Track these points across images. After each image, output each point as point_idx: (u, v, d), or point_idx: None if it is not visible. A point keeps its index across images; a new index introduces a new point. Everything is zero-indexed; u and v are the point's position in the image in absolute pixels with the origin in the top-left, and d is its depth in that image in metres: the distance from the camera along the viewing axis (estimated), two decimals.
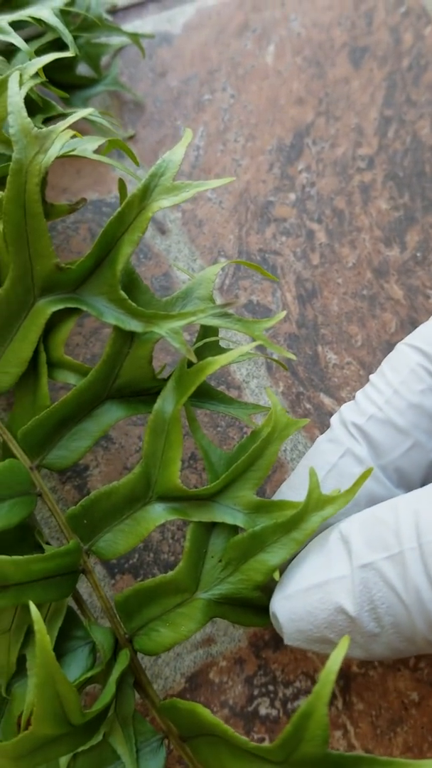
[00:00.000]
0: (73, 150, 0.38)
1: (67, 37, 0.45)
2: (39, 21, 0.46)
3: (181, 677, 0.44)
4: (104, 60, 0.58)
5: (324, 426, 0.50)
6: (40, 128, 0.36)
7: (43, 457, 0.38)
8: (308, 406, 0.50)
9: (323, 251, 0.54)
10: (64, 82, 0.48)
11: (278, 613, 0.36)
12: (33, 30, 0.50)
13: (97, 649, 0.38)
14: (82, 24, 0.52)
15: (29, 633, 0.38)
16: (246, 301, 0.52)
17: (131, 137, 0.50)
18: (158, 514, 0.37)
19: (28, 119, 0.36)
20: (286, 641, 0.36)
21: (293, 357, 0.36)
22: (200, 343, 0.38)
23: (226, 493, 0.37)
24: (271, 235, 0.54)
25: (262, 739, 0.43)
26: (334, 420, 0.40)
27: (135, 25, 0.60)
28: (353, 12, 0.61)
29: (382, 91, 0.59)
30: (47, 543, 0.40)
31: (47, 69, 0.49)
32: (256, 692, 0.44)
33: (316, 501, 0.35)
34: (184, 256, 0.54)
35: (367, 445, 0.38)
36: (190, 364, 0.38)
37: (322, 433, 0.49)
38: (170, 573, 0.37)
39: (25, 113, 0.36)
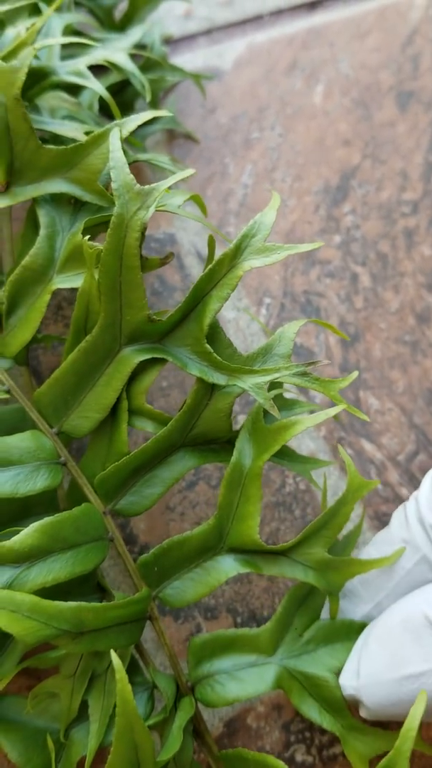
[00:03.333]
0: (163, 205, 0.39)
1: (145, 86, 0.46)
2: (113, 65, 0.46)
3: (219, 722, 0.44)
4: (158, 96, 0.59)
5: (365, 472, 0.50)
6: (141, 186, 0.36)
7: (116, 502, 0.39)
8: (349, 451, 0.51)
9: (367, 295, 0.55)
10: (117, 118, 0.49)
11: (366, 700, 0.36)
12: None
13: (157, 695, 0.39)
14: (145, 63, 0.53)
15: (93, 679, 0.38)
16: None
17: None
18: (229, 565, 0.38)
19: (131, 175, 0.36)
20: (366, 717, 0.37)
21: (367, 419, 0.37)
22: (272, 394, 0.39)
23: (298, 549, 0.38)
24: (315, 276, 0.55)
25: None
26: (411, 513, 0.39)
27: (186, 58, 0.61)
28: (400, 55, 0.62)
29: (427, 136, 0.60)
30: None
31: (105, 105, 0.49)
32: (292, 738, 0.45)
33: None
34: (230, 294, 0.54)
35: None
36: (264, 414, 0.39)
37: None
38: (254, 630, 0.38)
39: (127, 169, 0.36)
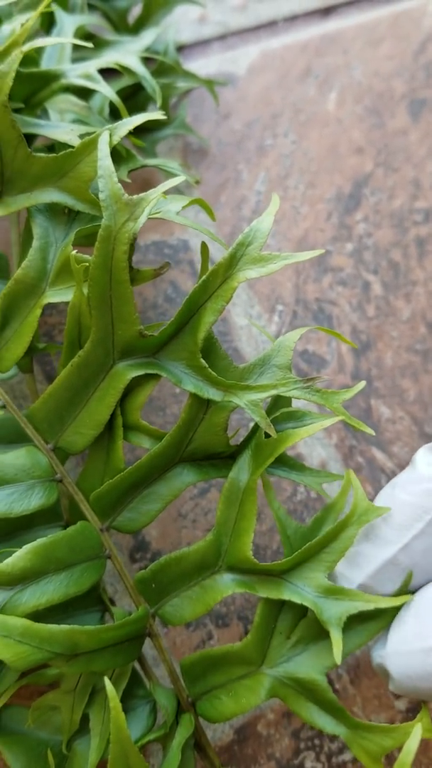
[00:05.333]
0: (158, 212, 0.36)
1: (155, 90, 0.43)
2: (124, 68, 0.44)
3: (230, 729, 0.43)
4: (171, 101, 0.56)
5: (376, 481, 0.48)
6: (130, 194, 0.34)
7: (113, 518, 0.37)
8: (360, 459, 0.48)
9: (378, 303, 0.52)
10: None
11: (392, 669, 0.33)
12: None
13: (159, 709, 0.37)
14: (158, 68, 0.50)
15: (94, 693, 0.36)
16: (302, 350, 0.50)
17: (197, 182, 0.48)
18: (226, 585, 0.35)
19: (119, 185, 0.34)
20: (394, 690, 0.34)
21: (372, 432, 0.34)
22: (277, 413, 0.36)
23: (297, 572, 0.35)
24: (327, 284, 0.52)
25: None
26: (421, 463, 0.35)
27: (200, 63, 0.58)
28: (413, 63, 0.59)
29: None
30: (111, 599, 0.38)
31: (117, 110, 0.46)
32: (302, 746, 0.43)
33: None
34: (242, 301, 0.52)
35: None
36: (266, 434, 0.36)
37: (372, 488, 0.48)
38: (237, 644, 0.35)
39: (115, 178, 0.34)
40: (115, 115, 0.45)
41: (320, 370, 0.50)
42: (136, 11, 0.57)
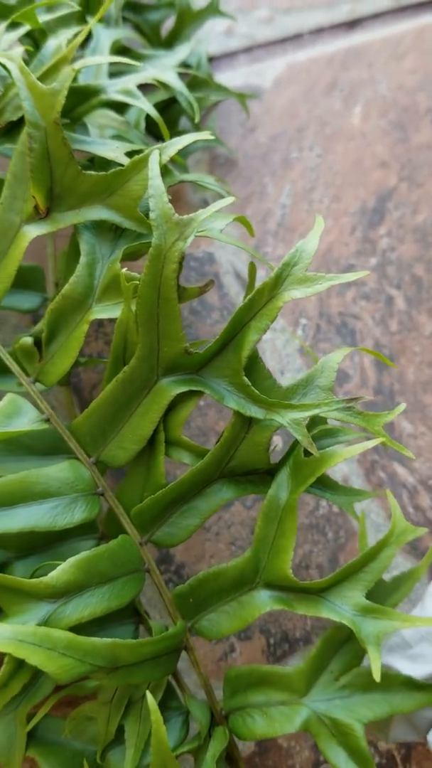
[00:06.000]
0: (204, 230, 0.36)
1: (194, 106, 0.43)
2: (163, 84, 0.44)
3: (251, 741, 0.43)
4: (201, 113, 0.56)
5: (397, 496, 0.48)
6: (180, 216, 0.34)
7: (153, 533, 0.37)
8: (382, 474, 0.49)
9: (401, 318, 0.52)
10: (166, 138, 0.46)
11: None
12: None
13: (192, 720, 0.37)
14: (191, 82, 0.50)
15: (129, 704, 0.36)
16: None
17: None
18: (263, 601, 0.36)
19: (169, 205, 0.34)
20: None
21: (412, 456, 0.35)
22: (315, 431, 0.37)
23: (335, 590, 0.35)
24: (351, 298, 0.53)
25: None
26: None
27: (227, 76, 0.58)
28: None
29: None
30: (145, 612, 0.38)
31: (151, 123, 0.46)
32: (321, 758, 0.43)
33: None
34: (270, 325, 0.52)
35: None
36: (306, 452, 0.36)
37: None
38: (288, 668, 0.36)
39: (166, 198, 0.34)
40: (150, 128, 0.45)
41: (343, 385, 0.51)
42: (167, 24, 0.57)
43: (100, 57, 0.37)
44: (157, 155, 0.35)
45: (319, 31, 0.60)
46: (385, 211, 0.55)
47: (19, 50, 0.35)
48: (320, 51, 0.60)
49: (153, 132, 0.46)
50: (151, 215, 0.34)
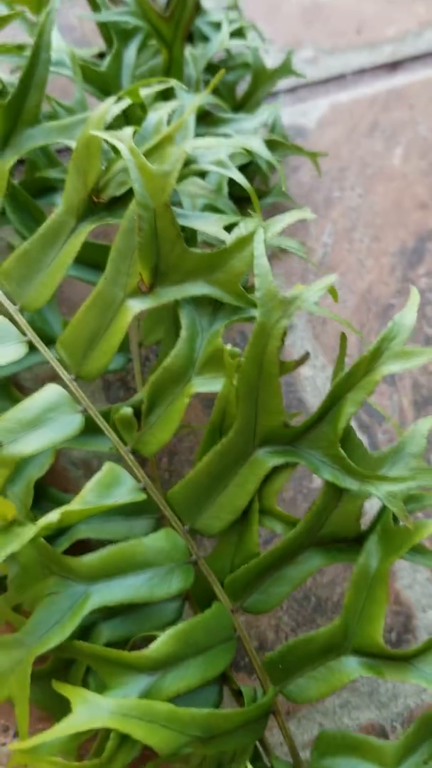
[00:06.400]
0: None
1: (281, 175, 0.43)
2: (249, 152, 0.43)
3: None
4: None
5: None
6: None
7: (244, 600, 0.37)
8: (421, 515, 0.49)
9: None
10: (240, 196, 0.46)
11: None
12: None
13: None
14: (268, 144, 0.50)
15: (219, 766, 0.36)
16: None
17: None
18: (352, 668, 0.36)
19: (275, 284, 0.34)
20: None
21: None
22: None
23: (424, 657, 0.36)
24: None
25: None
26: None
27: None
28: None
29: None
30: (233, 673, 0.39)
31: (228, 185, 0.46)
32: None
33: None
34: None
35: None
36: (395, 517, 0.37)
37: None
38: (381, 742, 0.36)
39: (271, 277, 0.34)
40: (232, 193, 0.45)
41: (381, 424, 0.51)
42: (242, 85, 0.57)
43: (203, 140, 0.37)
44: (262, 235, 0.35)
45: (361, 72, 0.61)
46: (425, 251, 0.56)
47: (128, 131, 0.35)
48: (363, 92, 0.60)
49: (236, 197, 0.46)
50: (257, 294, 0.34)
